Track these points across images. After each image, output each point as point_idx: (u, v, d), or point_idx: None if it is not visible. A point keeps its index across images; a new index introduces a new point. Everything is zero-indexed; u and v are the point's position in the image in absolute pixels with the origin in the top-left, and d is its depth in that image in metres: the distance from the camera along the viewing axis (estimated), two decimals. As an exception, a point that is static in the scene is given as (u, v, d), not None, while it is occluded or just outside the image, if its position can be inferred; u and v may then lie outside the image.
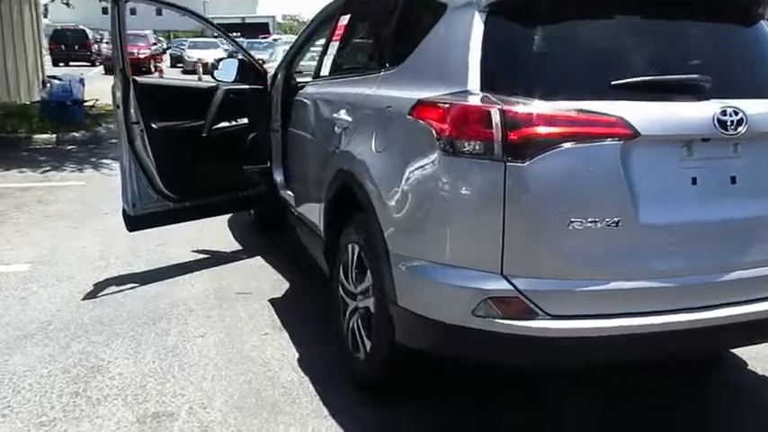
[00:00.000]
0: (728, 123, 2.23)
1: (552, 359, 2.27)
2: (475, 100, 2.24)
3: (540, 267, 2.21)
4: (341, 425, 2.70)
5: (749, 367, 3.15)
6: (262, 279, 4.32)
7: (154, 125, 4.16)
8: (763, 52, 2.55)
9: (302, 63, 4.71)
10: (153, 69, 25.92)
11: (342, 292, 3.10)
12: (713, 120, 2.22)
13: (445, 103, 2.29)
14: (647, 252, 2.24)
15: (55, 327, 3.55)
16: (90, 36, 32.49)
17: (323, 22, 4.12)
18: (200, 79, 17.87)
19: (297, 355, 3.27)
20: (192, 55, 27.05)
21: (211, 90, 4.44)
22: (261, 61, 5.89)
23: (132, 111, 4.04)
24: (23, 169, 7.96)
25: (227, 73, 4.62)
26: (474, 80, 2.28)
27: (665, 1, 2.44)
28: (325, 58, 3.72)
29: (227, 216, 5.50)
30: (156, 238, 4.78)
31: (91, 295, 3.99)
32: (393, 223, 2.48)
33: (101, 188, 6.96)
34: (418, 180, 2.37)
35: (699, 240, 2.30)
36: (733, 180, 2.32)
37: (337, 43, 3.58)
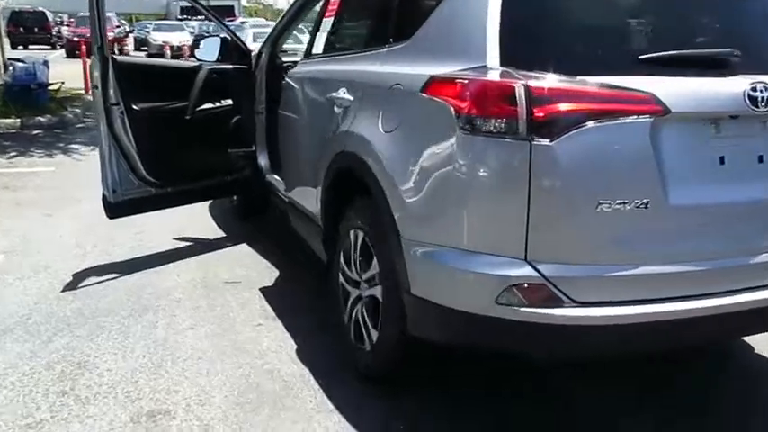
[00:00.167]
0: (759, 100, 2.13)
1: (579, 348, 2.16)
2: (496, 75, 2.10)
3: (566, 252, 2.09)
4: (348, 419, 2.56)
5: (756, 351, 3.11)
6: (249, 267, 4.15)
7: (135, 107, 3.95)
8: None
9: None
10: (117, 53, 25.23)
11: (343, 279, 2.96)
12: (744, 96, 2.13)
13: (464, 79, 2.15)
14: (677, 234, 2.15)
15: (35, 320, 3.34)
16: (50, 18, 31.52)
17: (313, -3, 3.94)
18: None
19: (295, 346, 3.13)
20: (158, 38, 26.40)
21: (194, 70, 4.23)
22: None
23: (111, 91, 3.82)
24: (-13, 155, 7.65)
25: (210, 52, 4.41)
26: (493, 54, 2.15)
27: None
28: (318, 35, 3.55)
29: (208, 202, 5.30)
30: (135, 225, 4.56)
31: (70, 286, 3.78)
32: (405, 207, 2.34)
33: (72, 174, 6.70)
34: (434, 161, 2.23)
35: (727, 221, 2.21)
36: (760, 159, 2.23)
37: (331, 19, 3.42)
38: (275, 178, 4.33)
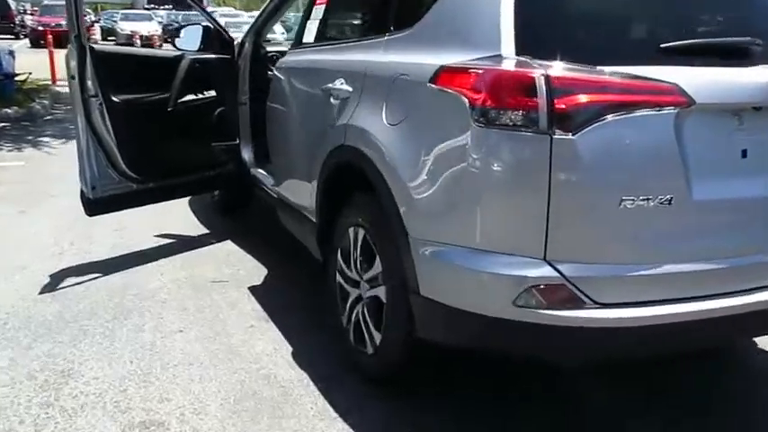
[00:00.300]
0: (783, 90, 2.05)
1: (600, 352, 2.06)
2: (514, 65, 1.99)
3: (586, 251, 1.99)
4: (352, 426, 2.45)
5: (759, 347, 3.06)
6: (236, 265, 4.00)
7: (114, 98, 3.76)
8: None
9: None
10: (84, 43, 24.57)
11: (341, 279, 2.84)
12: (768, 86, 2.05)
13: (478, 69, 2.03)
14: (699, 231, 2.06)
15: (12, 325, 3.16)
16: (13, 7, 30.62)
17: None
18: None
19: (290, 349, 3.00)
20: (125, 27, 25.78)
21: (176, 59, 4.05)
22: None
23: (89, 82, 3.63)
24: (-48, 149, 7.34)
25: (191, 41, 4.23)
26: (508, 43, 2.03)
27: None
28: (309, 23, 3.40)
29: (188, 197, 5.12)
30: (113, 222, 4.38)
31: (49, 288, 3.59)
32: (414, 204, 2.22)
33: (43, 169, 6.44)
34: (446, 155, 2.11)
35: (750, 217, 2.13)
36: (784, 152, 2.15)
37: (323, 6, 3.27)
38: (261, 172, 4.18)
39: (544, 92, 1.91)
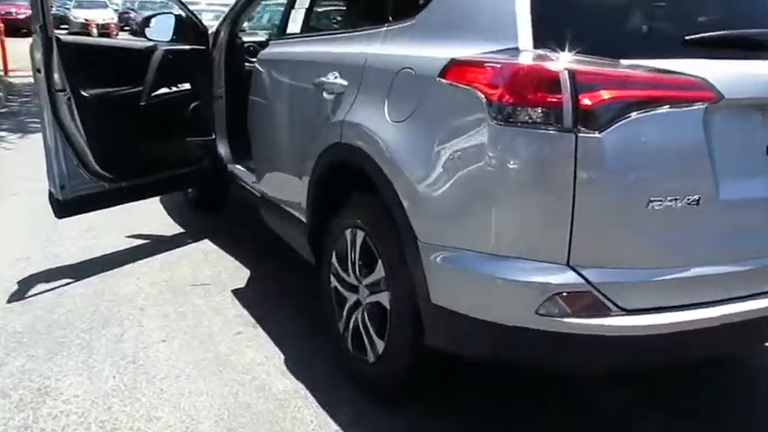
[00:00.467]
0: (810, 84, 1.97)
1: (625, 360, 1.96)
2: (534, 58, 1.86)
3: (612, 255, 1.89)
4: (358, 440, 2.33)
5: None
6: (216, 266, 3.82)
7: (83, 92, 3.53)
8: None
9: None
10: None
11: (337, 283, 2.70)
12: (794, 80, 1.96)
13: (496, 63, 1.90)
14: (725, 232, 1.97)
15: (-20, 339, 2.95)
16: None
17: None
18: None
19: (282, 356, 2.85)
20: (79, 15, 24.92)
21: (149, 51, 3.83)
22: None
23: (56, 76, 3.40)
24: None
25: (162, 31, 4.00)
26: (525, 34, 1.91)
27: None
28: (294, 12, 3.22)
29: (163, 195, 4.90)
30: (82, 223, 4.14)
31: (17, 296, 3.36)
32: (423, 207, 2.09)
33: (0, 165, 6.11)
34: (460, 155, 1.97)
35: (774, 217, 2.05)
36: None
37: (310, -6, 3.10)
38: (239, 169, 4.01)
39: (569, 87, 1.79)
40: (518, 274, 1.89)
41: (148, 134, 3.80)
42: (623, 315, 1.88)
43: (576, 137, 1.80)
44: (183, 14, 4.05)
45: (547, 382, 2.65)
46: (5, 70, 12.06)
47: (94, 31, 20.95)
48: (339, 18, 3.14)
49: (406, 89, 2.20)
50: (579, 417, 2.51)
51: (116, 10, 25.45)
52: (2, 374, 2.66)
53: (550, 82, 1.81)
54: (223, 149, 4.16)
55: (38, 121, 3.67)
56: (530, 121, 1.83)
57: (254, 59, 4.28)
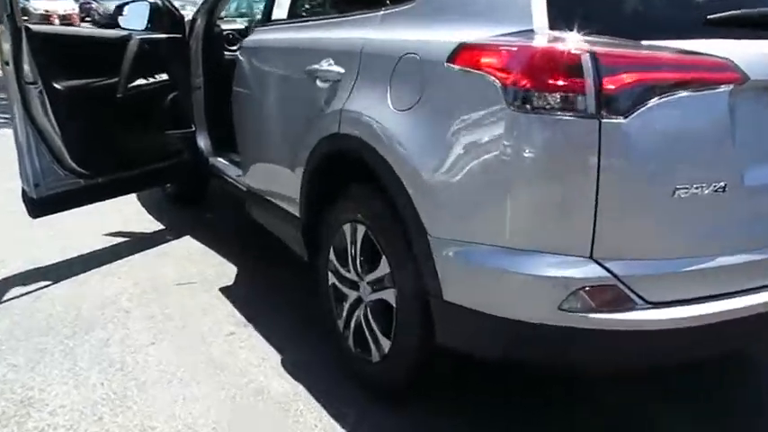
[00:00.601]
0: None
1: (653, 356, 1.88)
2: (552, 41, 1.76)
3: (636, 247, 1.80)
4: (366, 443, 2.23)
5: None
6: (201, 264, 3.67)
7: (56, 85, 3.35)
8: None
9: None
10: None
11: (335, 280, 2.59)
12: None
13: (512, 47, 1.80)
14: (749, 219, 1.90)
15: (-45, 348, 2.78)
16: None
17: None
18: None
19: (279, 357, 2.73)
20: (39, 6, 24.16)
21: (124, 40, 3.65)
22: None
23: (26, 68, 3.21)
24: None
25: (136, 19, 3.84)
26: (540, 15, 1.80)
27: None
28: (279, -3, 3.08)
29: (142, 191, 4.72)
30: (55, 222, 3.89)
31: (-7, 301, 3.20)
32: (434, 200, 1.98)
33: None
34: (474, 144, 1.87)
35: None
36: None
37: (297, -22, 2.96)
38: (222, 162, 3.87)
39: (591, 71, 1.70)
40: (540, 268, 1.80)
41: (126, 127, 3.64)
42: (649, 308, 1.80)
43: (600, 123, 1.70)
44: (159, 2, 3.87)
45: (553, 381, 2.56)
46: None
47: (56, 22, 20.34)
48: (331, 2, 3.00)
49: (411, 76, 2.09)
50: (595, 415, 2.43)
51: (77, 0, 24.71)
52: (-19, 386, 2.51)
53: (572, 65, 1.71)
54: (203, 142, 4.01)
55: (8, 116, 3.47)
56: (550, 107, 1.73)
57: (233, 48, 4.17)
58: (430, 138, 1.99)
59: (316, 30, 2.75)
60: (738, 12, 1.87)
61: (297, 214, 2.80)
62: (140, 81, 3.71)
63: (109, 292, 3.31)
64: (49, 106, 3.32)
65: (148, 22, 3.83)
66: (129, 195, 4.39)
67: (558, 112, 1.73)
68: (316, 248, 2.72)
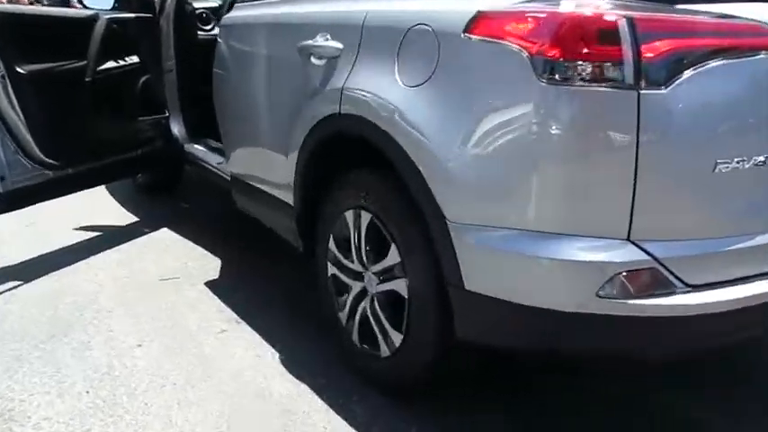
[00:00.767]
0: None
1: (695, 342, 1.78)
2: (582, 5, 1.62)
3: (675, 226, 1.69)
4: (383, 445, 2.09)
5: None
6: (183, 257, 3.48)
7: (19, 69, 3.11)
8: None
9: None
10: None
11: (336, 270, 2.43)
12: None
13: (539, 13, 1.65)
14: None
15: None
16: None
17: None
18: None
19: (276, 354, 2.56)
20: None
21: (90, 20, 3.40)
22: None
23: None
24: None
25: (102, -2, 3.59)
26: (565, -22, 1.67)
27: None
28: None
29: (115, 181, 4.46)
30: (23, 216, 3.68)
31: (-40, 305, 2.97)
32: (453, 183, 1.83)
33: None
34: (499, 120, 1.72)
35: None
36: None
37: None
38: (200, 149, 3.67)
39: (628, 38, 1.56)
40: (574, 252, 1.67)
41: (96, 114, 3.41)
42: (691, 291, 1.68)
43: (639, 94, 1.58)
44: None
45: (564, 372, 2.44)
46: None
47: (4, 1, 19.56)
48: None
49: (422, 49, 1.92)
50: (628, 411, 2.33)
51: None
52: (-46, 400, 2.30)
53: (608, 32, 1.57)
54: (177, 128, 3.80)
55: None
56: (583, 78, 1.60)
57: (207, 27, 3.95)
58: (446, 115, 1.84)
59: (307, 3, 2.56)
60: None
61: (290, 202, 2.62)
62: (110, 64, 3.48)
63: (87, 289, 3.10)
64: (11, 93, 3.08)
65: (116, 1, 3.59)
66: (99, 187, 4.15)
67: (593, 84, 1.59)
68: (312, 238, 2.56)
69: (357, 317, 2.35)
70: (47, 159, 3.25)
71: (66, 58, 3.31)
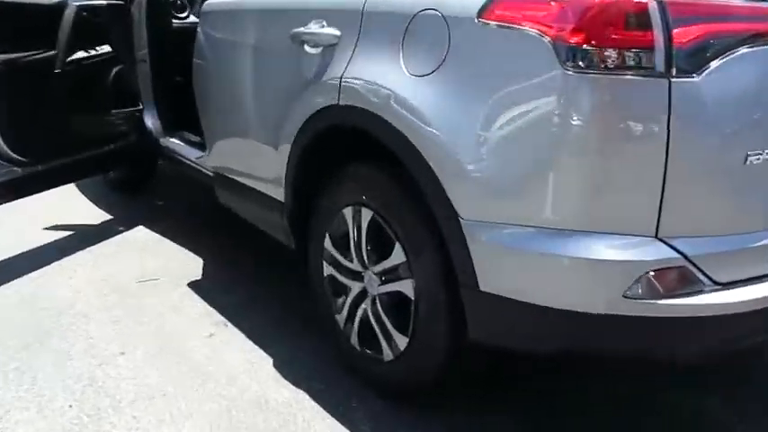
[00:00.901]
0: None
1: (725, 341, 1.71)
2: (609, -11, 1.53)
3: (705, 222, 1.62)
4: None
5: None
6: (162, 257, 3.32)
7: (-16, 60, 2.91)
8: None
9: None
10: None
11: (333, 271, 2.32)
12: None
13: (563, -4, 1.55)
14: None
15: None
16: None
17: None
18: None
19: (270, 359, 2.44)
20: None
21: (59, 7, 3.21)
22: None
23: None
24: None
25: (70, -16, 3.38)
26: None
27: None
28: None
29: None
30: (-8, 218, 3.52)
31: (-75, 313, 2.77)
32: (467, 178, 1.72)
33: None
34: (518, 111, 1.62)
35: None
36: None
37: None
38: (176, 143, 3.49)
39: (660, 23, 1.47)
40: (600, 251, 1.58)
41: (66, 107, 3.22)
42: (720, 290, 1.61)
43: (670, 82, 1.49)
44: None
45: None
46: None
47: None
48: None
49: (430, 36, 1.81)
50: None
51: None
52: (-76, 419, 2.12)
53: (638, 16, 1.48)
54: (151, 121, 3.61)
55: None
56: (612, 65, 1.50)
57: (182, 15, 3.78)
58: (459, 106, 1.73)
59: (297, -12, 2.42)
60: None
61: (280, 198, 2.49)
62: (80, 54, 3.28)
63: (62, 294, 2.92)
64: (-25, 85, 2.88)
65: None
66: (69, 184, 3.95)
67: (621, 72, 1.50)
68: (305, 236, 2.44)
69: (356, 319, 2.24)
70: (15, 156, 3.06)
71: (34, 49, 3.11)
